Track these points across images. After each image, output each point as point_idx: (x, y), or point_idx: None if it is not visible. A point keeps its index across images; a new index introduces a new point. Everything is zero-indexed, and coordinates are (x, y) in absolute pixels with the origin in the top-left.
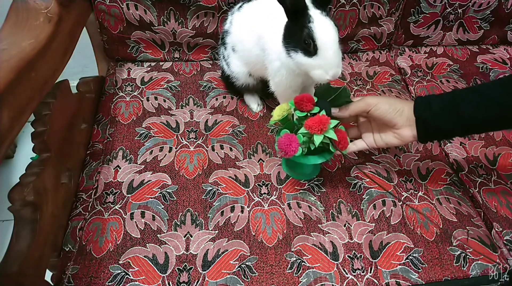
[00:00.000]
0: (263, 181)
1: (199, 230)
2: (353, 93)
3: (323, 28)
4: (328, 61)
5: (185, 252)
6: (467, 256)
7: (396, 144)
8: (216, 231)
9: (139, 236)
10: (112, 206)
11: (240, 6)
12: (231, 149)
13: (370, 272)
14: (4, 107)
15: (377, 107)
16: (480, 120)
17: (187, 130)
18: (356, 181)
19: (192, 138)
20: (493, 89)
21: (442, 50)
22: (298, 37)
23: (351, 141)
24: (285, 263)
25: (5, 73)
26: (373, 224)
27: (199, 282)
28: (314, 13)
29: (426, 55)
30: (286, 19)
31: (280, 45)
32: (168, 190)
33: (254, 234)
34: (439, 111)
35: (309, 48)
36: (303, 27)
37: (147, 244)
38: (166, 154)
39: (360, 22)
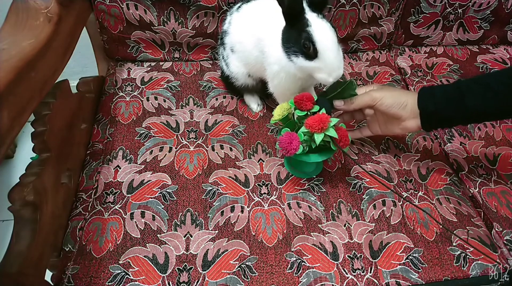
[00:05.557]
0: (263, 181)
1: (199, 230)
2: None
3: (321, 31)
4: (329, 63)
5: (185, 252)
6: (467, 256)
7: (400, 134)
8: (216, 231)
9: (139, 236)
10: (112, 206)
11: (239, 7)
12: (231, 149)
13: (370, 272)
14: (4, 107)
15: (382, 102)
16: (484, 110)
17: (187, 130)
18: (356, 181)
19: (192, 138)
20: (497, 80)
21: (442, 50)
22: (298, 41)
23: (357, 126)
24: (285, 263)
25: (5, 73)
26: (373, 224)
27: (199, 282)
28: (311, 16)
29: (426, 55)
30: (284, 23)
31: (279, 50)
32: (168, 190)
33: (254, 234)
34: (443, 101)
35: (309, 51)
36: (301, 31)
37: (147, 244)
38: (166, 154)
39: (360, 22)
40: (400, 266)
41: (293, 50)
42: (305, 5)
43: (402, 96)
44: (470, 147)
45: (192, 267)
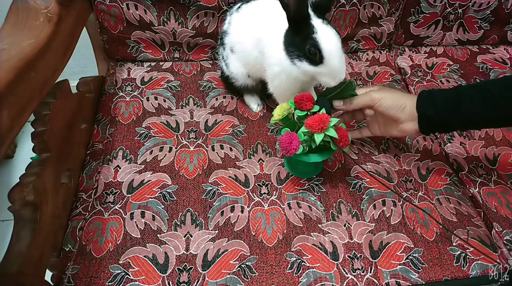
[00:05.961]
0: (263, 181)
1: (199, 230)
2: None
3: (327, 38)
4: (334, 69)
5: (185, 252)
6: (467, 256)
7: (399, 136)
8: (216, 231)
9: (139, 236)
10: (112, 206)
11: (239, 7)
12: (231, 149)
13: (370, 272)
14: (4, 107)
15: (381, 103)
16: (483, 117)
17: (187, 130)
18: (356, 181)
19: (192, 138)
20: (497, 87)
21: (442, 50)
22: (302, 47)
23: (357, 126)
24: (285, 263)
25: (5, 73)
26: (373, 224)
27: (199, 282)
28: (317, 22)
29: (426, 55)
30: (284, 23)
31: (281, 51)
32: (168, 190)
33: (254, 234)
34: (442, 106)
35: (315, 58)
36: (307, 37)
37: (147, 244)
38: (166, 154)
39: (360, 22)
40: (400, 266)
41: (296, 54)
42: (309, 10)
43: (401, 98)
44: (470, 147)
45: (192, 267)
